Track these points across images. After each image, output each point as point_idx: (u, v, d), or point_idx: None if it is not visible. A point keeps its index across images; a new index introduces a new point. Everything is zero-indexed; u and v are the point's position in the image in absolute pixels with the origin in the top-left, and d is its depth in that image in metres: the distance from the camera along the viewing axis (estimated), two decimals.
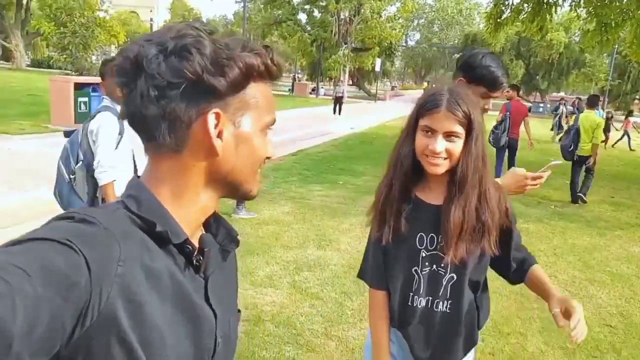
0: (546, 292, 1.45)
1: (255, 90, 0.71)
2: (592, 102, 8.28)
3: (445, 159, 1.32)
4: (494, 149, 8.23)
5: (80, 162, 2.79)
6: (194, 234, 0.75)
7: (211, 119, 0.67)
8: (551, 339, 3.51)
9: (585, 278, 4.73)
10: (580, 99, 37.06)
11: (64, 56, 28.06)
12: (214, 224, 0.82)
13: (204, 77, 0.64)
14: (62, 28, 27.52)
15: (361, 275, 1.60)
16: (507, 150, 8.30)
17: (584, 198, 7.99)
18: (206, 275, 0.74)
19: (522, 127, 8.56)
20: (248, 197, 0.79)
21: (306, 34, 35.22)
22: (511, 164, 8.01)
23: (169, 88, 0.64)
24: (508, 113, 8.20)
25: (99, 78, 2.96)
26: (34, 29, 31.96)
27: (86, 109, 11.50)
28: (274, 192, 7.06)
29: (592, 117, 7.77)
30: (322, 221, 5.77)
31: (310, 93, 35.35)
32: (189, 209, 0.72)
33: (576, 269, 4.96)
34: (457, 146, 1.31)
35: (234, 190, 0.76)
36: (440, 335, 1.46)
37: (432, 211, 1.40)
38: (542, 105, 34.55)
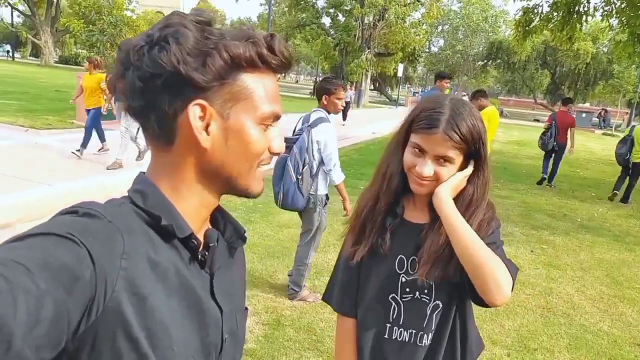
0: None
1: (249, 81, 0.68)
2: None
3: (433, 180, 1.18)
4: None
5: (307, 166, 3.39)
6: (200, 229, 0.74)
7: (193, 110, 0.65)
8: (580, 356, 3.39)
9: (614, 294, 4.57)
10: (606, 110, 36.41)
11: (92, 54, 28.61)
12: (221, 220, 0.81)
13: (180, 68, 0.62)
14: (90, 26, 28.09)
15: (326, 298, 1.41)
16: (554, 153, 9.69)
17: (629, 200, 8.83)
18: (212, 270, 0.73)
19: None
20: (246, 194, 0.75)
21: (329, 38, 35.24)
22: (556, 163, 9.70)
23: (152, 80, 0.63)
24: (554, 122, 9.53)
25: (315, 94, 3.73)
26: (63, 26, 32.67)
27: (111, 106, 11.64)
28: None
29: None
30: (343, 225, 5.70)
31: None
32: (188, 203, 0.71)
33: (604, 284, 4.81)
34: (448, 171, 1.17)
35: (230, 186, 0.73)
36: None
37: (415, 231, 1.24)
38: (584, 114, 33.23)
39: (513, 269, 1.15)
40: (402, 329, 1.26)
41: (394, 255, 1.25)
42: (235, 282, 0.83)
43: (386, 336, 1.27)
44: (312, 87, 43.67)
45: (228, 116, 0.68)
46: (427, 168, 1.16)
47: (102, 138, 8.12)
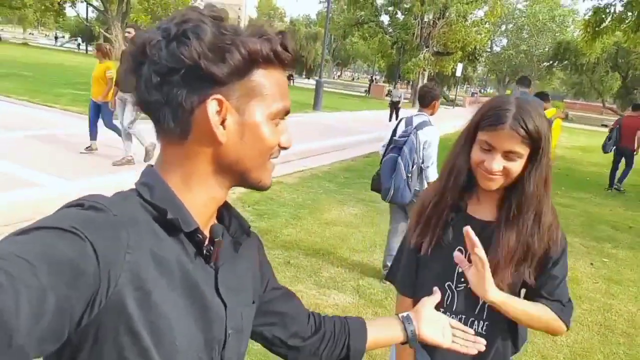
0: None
1: (263, 77, 0.69)
2: None
3: (502, 175, 1.22)
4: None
5: (415, 165, 3.75)
6: (207, 224, 0.74)
7: (211, 105, 0.66)
8: None
9: None
10: None
11: None
12: (226, 215, 0.82)
13: (201, 63, 0.63)
14: (157, 22, 29.34)
15: (390, 277, 1.53)
16: (622, 157, 9.45)
17: None
18: (216, 265, 0.74)
19: None
20: (258, 187, 0.76)
21: (387, 36, 34.87)
22: (628, 167, 9.54)
23: (169, 74, 0.64)
24: (618, 126, 9.38)
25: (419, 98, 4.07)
26: (133, 21, 34.24)
27: None
28: (343, 192, 7.01)
29: None
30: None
31: (386, 96, 35.03)
32: (197, 197, 0.71)
33: None
34: (517, 165, 1.21)
35: (243, 180, 0.74)
36: (472, 358, 1.28)
37: (476, 226, 1.26)
38: None
39: (568, 311, 1.31)
40: (454, 315, 1.33)
41: (453, 247, 1.31)
42: (242, 277, 0.82)
43: None
44: (367, 85, 43.35)
45: (244, 111, 0.69)
46: (496, 163, 1.20)
47: (94, 136, 7.38)
